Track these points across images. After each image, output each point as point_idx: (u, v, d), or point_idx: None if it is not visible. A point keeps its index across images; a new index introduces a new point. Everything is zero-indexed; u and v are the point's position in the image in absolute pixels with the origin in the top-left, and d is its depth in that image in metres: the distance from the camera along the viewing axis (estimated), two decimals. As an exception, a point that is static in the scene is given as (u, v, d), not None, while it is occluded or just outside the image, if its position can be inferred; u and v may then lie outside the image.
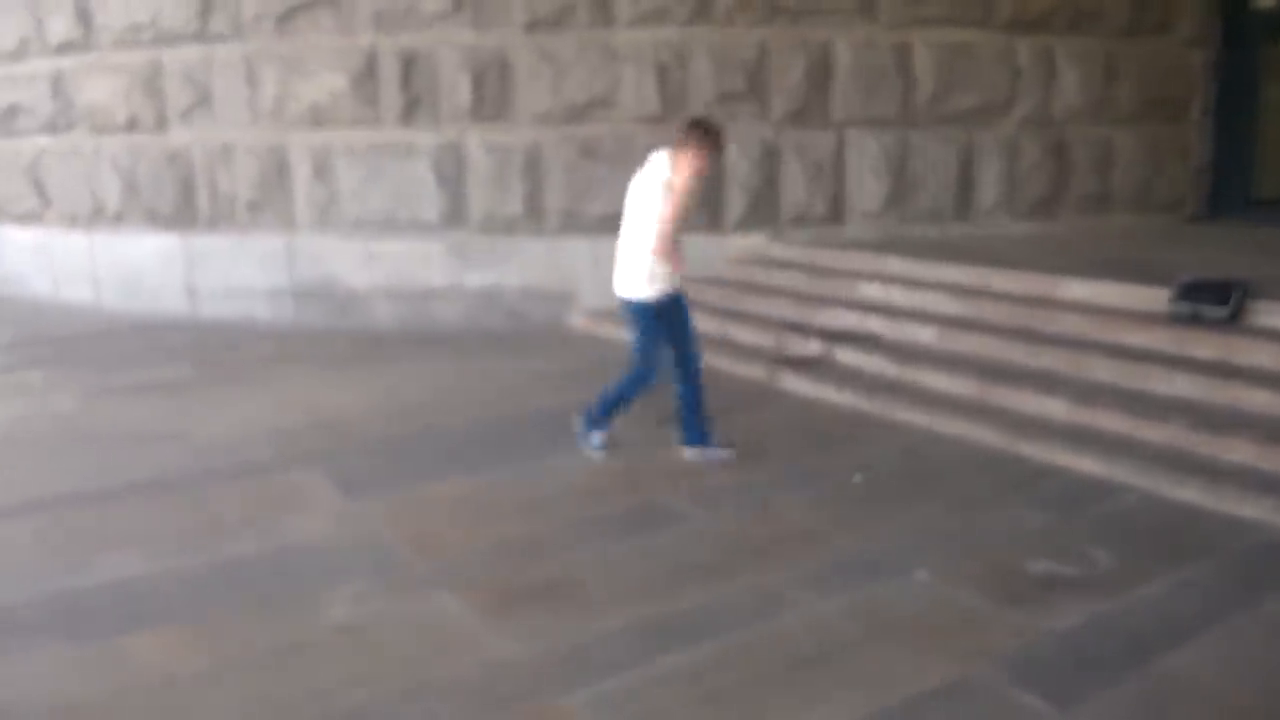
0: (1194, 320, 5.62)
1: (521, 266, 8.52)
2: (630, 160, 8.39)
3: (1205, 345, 5.44)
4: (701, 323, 7.57)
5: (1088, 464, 4.81)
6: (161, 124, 9.16)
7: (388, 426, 5.86)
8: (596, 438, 5.18)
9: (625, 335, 8.13)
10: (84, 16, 9.34)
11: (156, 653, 3.38)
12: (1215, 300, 5.59)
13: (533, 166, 8.42)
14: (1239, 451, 4.59)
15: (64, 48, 9.54)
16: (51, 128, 9.84)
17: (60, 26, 9.50)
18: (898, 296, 7.04)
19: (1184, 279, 5.82)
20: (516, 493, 4.72)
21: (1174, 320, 5.70)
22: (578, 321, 8.39)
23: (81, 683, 3.20)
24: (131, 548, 4.18)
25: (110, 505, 4.69)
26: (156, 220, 9.35)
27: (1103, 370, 5.54)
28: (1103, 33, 8.91)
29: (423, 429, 5.77)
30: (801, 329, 7.02)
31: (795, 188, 8.56)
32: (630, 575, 3.88)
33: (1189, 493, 4.43)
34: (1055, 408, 5.33)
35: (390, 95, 8.46)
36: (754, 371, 6.68)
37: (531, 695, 3.08)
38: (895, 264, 7.47)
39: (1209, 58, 9.48)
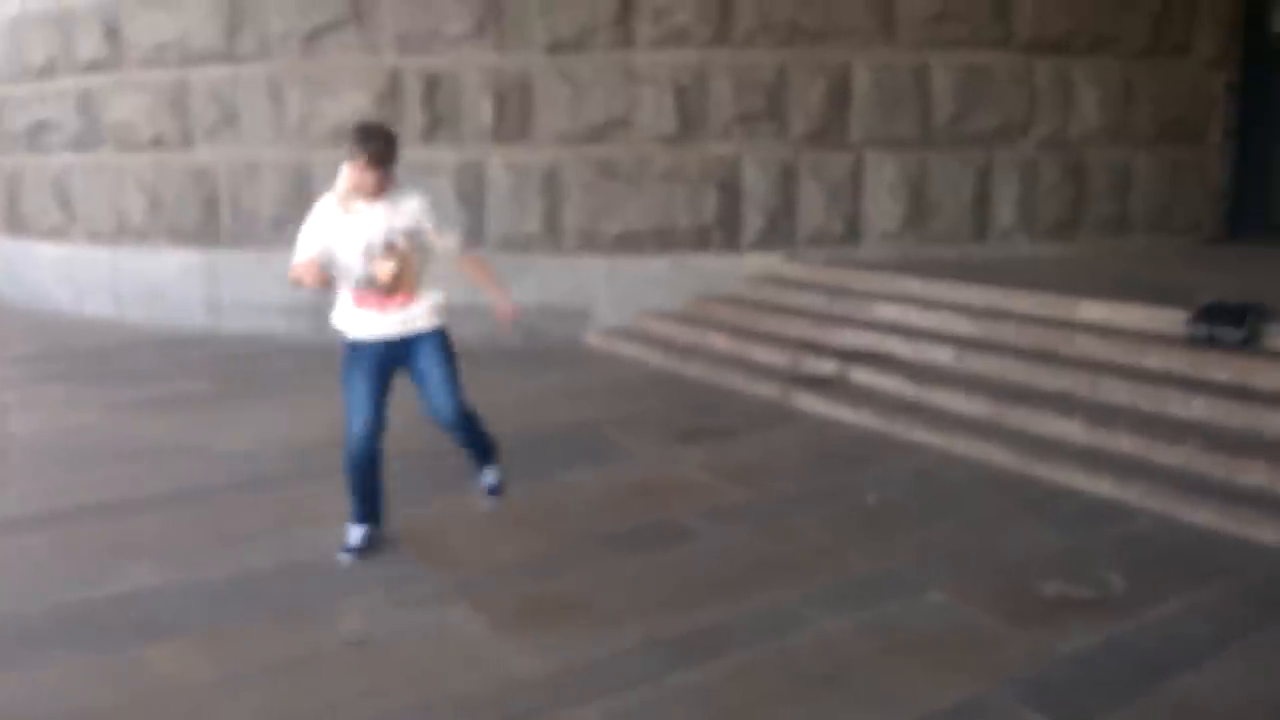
0: (1211, 343, 5.60)
1: (539, 284, 8.56)
2: (647, 180, 8.50)
3: (1222, 368, 5.42)
4: (717, 341, 7.65)
5: (1103, 486, 4.80)
6: (187, 142, 9.28)
7: (404, 442, 5.87)
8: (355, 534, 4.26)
9: (626, 353, 8.24)
10: (112, 35, 9.49)
11: (171, 664, 3.41)
12: (1232, 323, 5.56)
13: (551, 185, 8.49)
14: (1255, 474, 4.56)
15: (92, 66, 9.68)
16: (78, 144, 9.98)
17: (88, 45, 9.65)
18: (914, 317, 7.04)
19: (1202, 302, 5.81)
20: (532, 508, 4.74)
21: (1191, 343, 5.68)
22: (594, 339, 8.42)
23: (96, 693, 3.24)
24: (148, 559, 4.23)
25: (128, 517, 4.74)
26: (180, 236, 9.46)
27: (1119, 392, 5.52)
28: (1121, 54, 8.91)
29: (438, 444, 5.77)
30: (817, 348, 7.02)
31: (813, 208, 8.58)
32: (644, 592, 3.89)
33: (1204, 515, 4.41)
34: (1071, 429, 5.31)
35: (413, 114, 8.54)
36: (769, 390, 6.68)
37: (545, 711, 3.10)
38: (912, 284, 7.47)
39: (1228, 80, 9.46)
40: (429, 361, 4.16)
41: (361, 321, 4.10)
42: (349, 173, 3.96)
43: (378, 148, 3.91)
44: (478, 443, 4.56)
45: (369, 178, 3.92)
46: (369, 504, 4.28)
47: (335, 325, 4.18)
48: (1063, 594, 3.81)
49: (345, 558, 4.22)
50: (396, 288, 4.03)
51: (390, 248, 3.98)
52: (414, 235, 4.05)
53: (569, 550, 4.30)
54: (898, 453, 5.55)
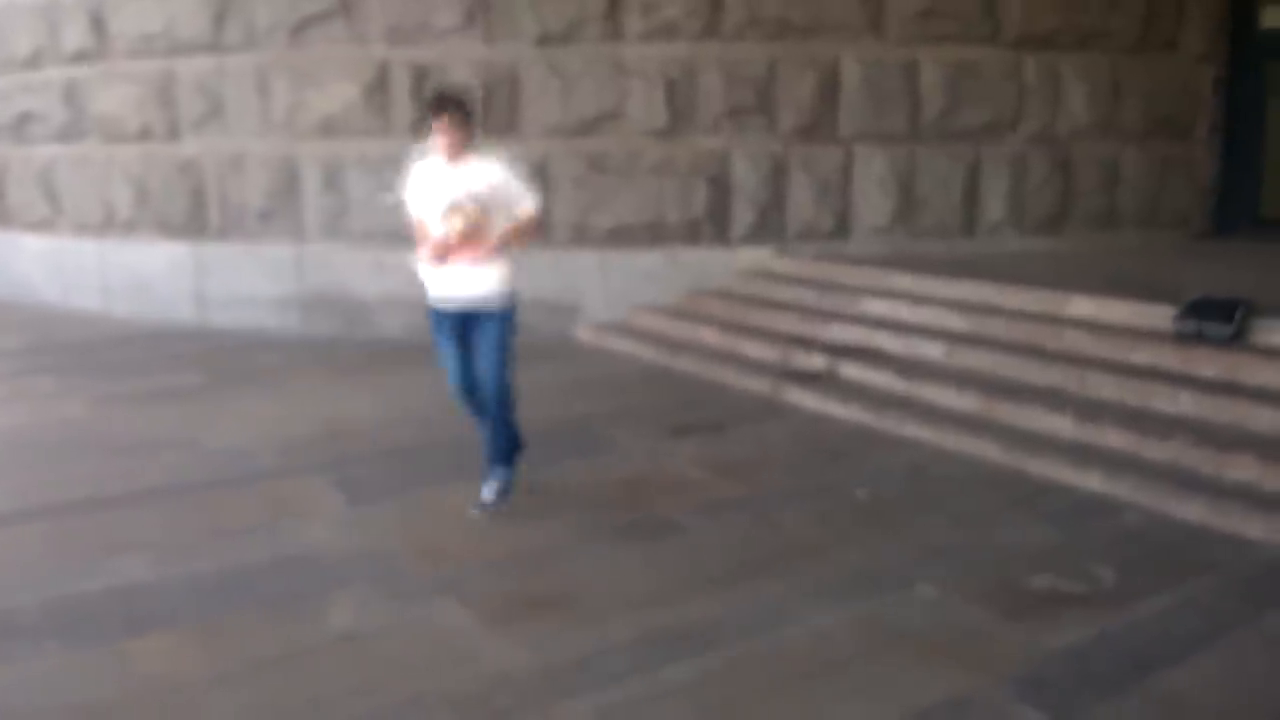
0: (1199, 338, 5.63)
1: (528, 278, 8.50)
2: (638, 174, 8.49)
3: (1210, 363, 5.45)
4: (708, 336, 7.65)
5: (1092, 481, 4.82)
6: (173, 133, 9.23)
7: (394, 435, 5.89)
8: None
9: (616, 348, 8.21)
10: (98, 26, 9.42)
11: (161, 657, 3.40)
12: (1220, 318, 5.59)
13: (541, 179, 8.41)
14: (1242, 469, 4.59)
15: (78, 57, 9.62)
16: (64, 136, 9.91)
17: (74, 36, 9.58)
18: (904, 312, 7.05)
19: (1190, 297, 5.83)
20: (521, 502, 4.73)
21: (1179, 338, 5.71)
22: (584, 334, 8.42)
23: (86, 687, 3.22)
24: (138, 553, 4.21)
25: (118, 511, 4.72)
26: (167, 229, 9.41)
27: (1107, 387, 5.55)
28: (1110, 50, 8.95)
29: (429, 438, 5.78)
30: (807, 343, 7.03)
31: (802, 202, 8.59)
32: (634, 586, 3.89)
33: (1192, 510, 4.43)
34: (1060, 424, 5.33)
35: (401, 107, 8.52)
36: (759, 385, 6.69)
37: (534, 705, 3.09)
38: (902, 280, 7.49)
39: (1216, 76, 9.51)
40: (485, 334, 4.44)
41: (434, 281, 4.42)
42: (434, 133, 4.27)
43: (451, 111, 4.25)
44: (501, 434, 4.60)
45: (442, 140, 4.26)
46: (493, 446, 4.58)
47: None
48: (1053, 588, 3.82)
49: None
50: (463, 246, 4.28)
51: (458, 208, 4.24)
52: (486, 200, 4.27)
53: (559, 545, 4.30)
54: (888, 448, 5.56)
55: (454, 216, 4.23)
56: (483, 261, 4.34)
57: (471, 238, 4.25)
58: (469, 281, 4.36)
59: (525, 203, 4.40)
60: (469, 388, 4.53)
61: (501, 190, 4.32)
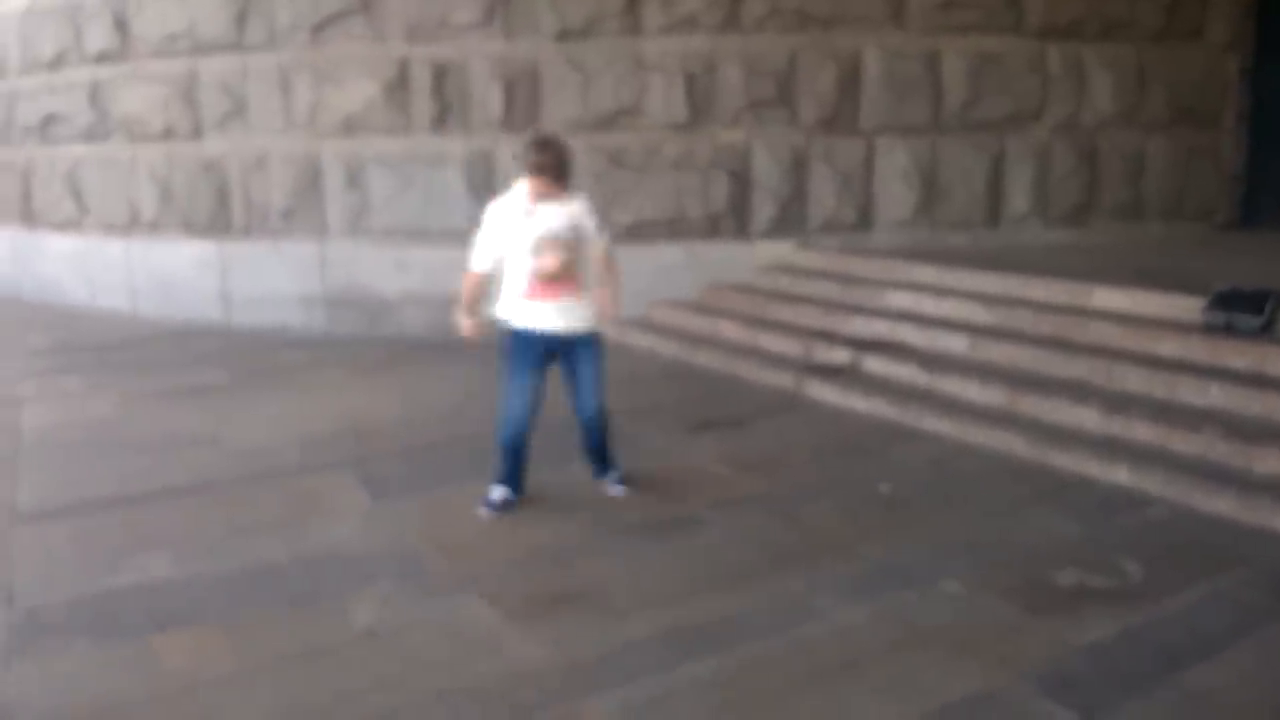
0: (1228, 330, 5.56)
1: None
2: (657, 168, 8.48)
3: (1239, 355, 5.38)
4: (729, 331, 7.64)
5: (1119, 474, 4.77)
6: (197, 133, 9.29)
7: (417, 432, 5.91)
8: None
9: (637, 344, 8.22)
10: (121, 27, 9.49)
11: (186, 654, 3.42)
12: (1249, 310, 5.52)
13: (562, 174, 8.45)
14: (1272, 462, 4.53)
15: (101, 57, 9.70)
16: (89, 136, 10.00)
17: (98, 37, 9.66)
18: (927, 305, 7.01)
19: (1218, 288, 5.76)
20: (543, 499, 4.74)
21: (1207, 330, 5.64)
22: (606, 330, 8.39)
23: (112, 683, 3.25)
24: (163, 550, 4.24)
25: (144, 508, 4.76)
26: (192, 228, 9.47)
27: (1135, 380, 5.49)
28: (1134, 39, 8.85)
29: (451, 435, 5.80)
30: (829, 337, 7.00)
31: (824, 195, 8.55)
32: (656, 583, 3.89)
33: (1221, 504, 4.38)
34: (1087, 417, 5.28)
35: (422, 104, 8.53)
36: (781, 380, 6.66)
37: (556, 702, 3.09)
38: (925, 272, 7.44)
39: (1242, 64, 9.38)
40: (583, 362, 4.58)
41: (529, 312, 4.46)
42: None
43: (539, 160, 4.34)
44: (603, 448, 4.82)
45: (531, 185, 4.36)
46: (513, 471, 4.64)
47: (501, 315, 4.53)
48: (1080, 583, 3.79)
49: (485, 512, 4.57)
50: (560, 280, 4.40)
51: (555, 243, 4.35)
52: (576, 234, 4.41)
53: (582, 541, 4.30)
54: (911, 442, 5.53)
55: (550, 252, 4.34)
56: (578, 294, 4.48)
57: (566, 272, 4.39)
58: (569, 313, 4.48)
59: (597, 242, 4.53)
60: (526, 429, 4.56)
61: (582, 228, 4.45)
